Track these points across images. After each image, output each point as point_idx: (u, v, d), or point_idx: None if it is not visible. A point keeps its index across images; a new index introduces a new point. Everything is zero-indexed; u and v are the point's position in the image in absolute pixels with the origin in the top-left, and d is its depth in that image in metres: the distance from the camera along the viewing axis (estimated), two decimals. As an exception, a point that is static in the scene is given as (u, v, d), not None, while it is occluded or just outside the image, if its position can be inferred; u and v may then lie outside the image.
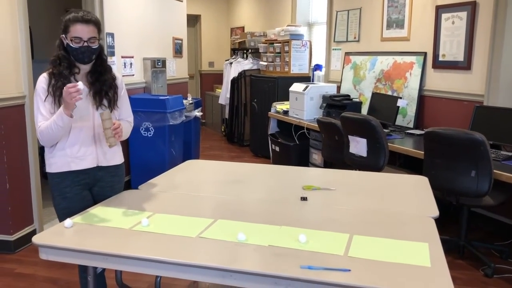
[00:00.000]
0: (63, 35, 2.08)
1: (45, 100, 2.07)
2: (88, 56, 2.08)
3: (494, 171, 2.92)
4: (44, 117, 2.08)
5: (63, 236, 1.79)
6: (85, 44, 2.05)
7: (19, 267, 3.16)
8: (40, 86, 2.09)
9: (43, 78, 2.10)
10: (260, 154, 6.65)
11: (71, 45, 2.05)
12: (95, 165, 2.21)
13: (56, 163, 2.15)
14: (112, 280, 2.60)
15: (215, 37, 9.58)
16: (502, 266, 3.16)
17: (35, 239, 1.77)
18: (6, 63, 3.25)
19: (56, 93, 2.06)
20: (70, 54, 2.08)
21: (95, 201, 2.25)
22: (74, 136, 2.14)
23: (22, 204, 3.47)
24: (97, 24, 2.10)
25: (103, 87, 2.17)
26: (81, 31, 2.04)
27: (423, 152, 3.28)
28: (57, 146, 2.15)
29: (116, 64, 4.62)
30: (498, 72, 3.72)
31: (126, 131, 2.30)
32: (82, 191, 2.20)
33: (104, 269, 2.28)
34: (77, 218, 1.96)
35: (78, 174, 2.18)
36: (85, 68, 2.15)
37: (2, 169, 3.28)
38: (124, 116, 2.32)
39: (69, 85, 1.95)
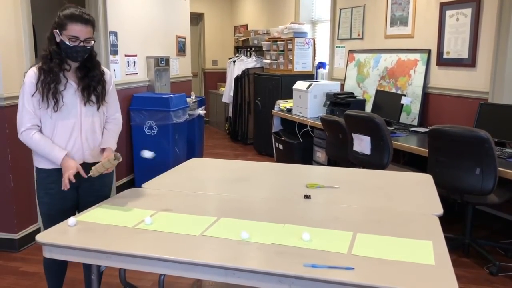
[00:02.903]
0: (57, 30, 2.05)
1: (32, 95, 2.06)
2: (82, 55, 2.09)
3: (499, 168, 2.91)
4: (30, 114, 2.08)
5: (67, 235, 1.80)
6: (81, 44, 2.05)
7: (23, 265, 3.17)
8: (29, 81, 2.07)
9: (32, 73, 2.09)
10: (263, 152, 6.65)
11: (67, 43, 2.04)
12: (81, 162, 2.20)
13: (43, 159, 2.16)
14: (116, 278, 2.61)
15: (219, 35, 9.58)
16: (507, 264, 3.14)
17: (39, 237, 1.77)
18: (9, 62, 3.26)
19: (44, 90, 2.05)
20: (63, 51, 2.07)
21: (87, 196, 2.25)
22: (61, 132, 2.14)
23: (26, 203, 3.48)
24: (94, 24, 2.12)
25: (91, 83, 2.16)
26: (80, 31, 2.03)
27: (427, 150, 3.27)
28: None
29: (119, 62, 4.63)
30: (503, 69, 3.70)
31: (117, 129, 2.35)
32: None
33: (104, 268, 2.29)
34: (81, 217, 1.97)
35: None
36: (74, 64, 2.14)
37: (6, 168, 3.30)
38: (111, 112, 2.32)
39: (70, 177, 2.05)
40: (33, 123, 2.10)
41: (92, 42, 2.10)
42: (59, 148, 2.11)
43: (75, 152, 2.18)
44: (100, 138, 2.27)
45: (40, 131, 2.14)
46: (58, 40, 2.07)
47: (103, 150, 2.27)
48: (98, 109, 2.21)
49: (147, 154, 2.06)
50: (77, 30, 2.03)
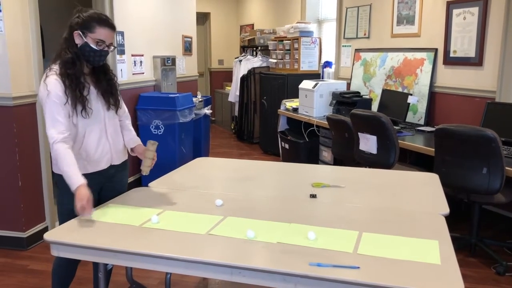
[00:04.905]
0: (80, 32, 2.00)
1: (64, 105, 1.98)
2: (103, 60, 2.10)
3: (506, 168, 2.89)
4: (60, 126, 1.97)
5: (74, 233, 1.81)
6: (106, 48, 2.06)
7: (31, 264, 3.20)
8: (54, 92, 1.97)
9: (55, 81, 1.99)
10: (269, 151, 6.65)
11: (92, 46, 2.01)
12: (109, 165, 2.23)
13: None
14: (122, 276, 2.63)
15: (225, 35, 9.59)
16: (514, 264, 3.13)
17: (47, 236, 1.79)
18: (17, 62, 3.29)
19: (73, 97, 2.00)
20: (83, 53, 2.03)
21: (106, 196, 2.26)
22: (89, 139, 2.12)
23: (34, 202, 3.51)
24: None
25: (108, 87, 2.17)
26: (107, 36, 2.04)
27: (433, 149, 3.26)
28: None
29: (126, 62, 4.65)
30: (510, 68, 3.68)
31: (131, 123, 2.40)
32: (91, 194, 2.19)
33: (112, 267, 2.31)
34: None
35: (92, 176, 2.16)
36: (89, 67, 2.14)
37: (14, 167, 3.33)
38: (121, 111, 2.33)
39: (84, 206, 1.90)
40: (60, 134, 1.98)
41: (112, 47, 2.10)
42: (78, 175, 1.98)
43: (104, 155, 2.18)
44: (122, 139, 2.30)
45: (70, 140, 2.05)
46: (79, 41, 2.02)
47: (131, 150, 2.32)
48: (116, 111, 2.23)
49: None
50: (105, 34, 2.03)
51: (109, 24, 2.05)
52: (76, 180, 1.95)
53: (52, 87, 1.98)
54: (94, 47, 2.02)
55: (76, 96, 2.01)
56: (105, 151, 2.18)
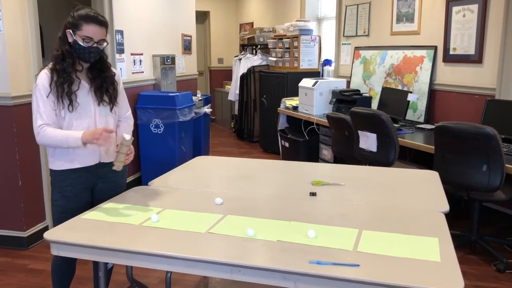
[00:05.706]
0: (70, 30, 2.05)
1: (47, 97, 2.04)
2: (94, 56, 2.10)
3: (506, 165, 2.89)
4: (45, 116, 2.04)
5: (74, 232, 1.81)
6: (95, 45, 2.06)
7: (32, 263, 3.20)
8: (41, 84, 2.05)
9: (44, 75, 2.06)
10: (269, 150, 6.65)
11: (80, 43, 2.04)
12: (97, 162, 2.21)
13: (59, 161, 2.15)
14: (123, 275, 2.64)
15: (224, 33, 9.58)
16: (515, 261, 3.13)
17: (47, 235, 1.79)
18: (17, 61, 3.28)
19: (58, 90, 2.04)
20: (75, 51, 2.07)
21: (100, 198, 2.24)
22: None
23: (35, 201, 3.51)
24: (108, 26, 2.13)
25: (103, 84, 2.17)
26: (94, 32, 2.05)
27: (433, 147, 3.26)
28: None
29: (125, 61, 4.64)
30: (510, 65, 3.68)
31: (130, 126, 2.36)
32: (81, 191, 2.19)
33: (112, 266, 2.31)
34: (88, 214, 1.98)
35: (80, 173, 2.17)
36: (86, 64, 2.14)
37: (14, 166, 3.33)
38: (122, 112, 2.33)
39: (107, 130, 2.02)
40: (45, 122, 2.05)
41: (105, 43, 2.11)
42: (75, 131, 2.07)
43: (91, 152, 2.17)
44: (115, 137, 2.28)
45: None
46: (70, 40, 2.06)
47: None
48: (111, 109, 2.22)
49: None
50: (92, 31, 2.04)
51: (97, 20, 2.05)
52: (76, 134, 2.04)
53: (40, 80, 2.07)
54: (82, 44, 2.04)
55: (63, 90, 2.05)
56: (92, 146, 2.14)
